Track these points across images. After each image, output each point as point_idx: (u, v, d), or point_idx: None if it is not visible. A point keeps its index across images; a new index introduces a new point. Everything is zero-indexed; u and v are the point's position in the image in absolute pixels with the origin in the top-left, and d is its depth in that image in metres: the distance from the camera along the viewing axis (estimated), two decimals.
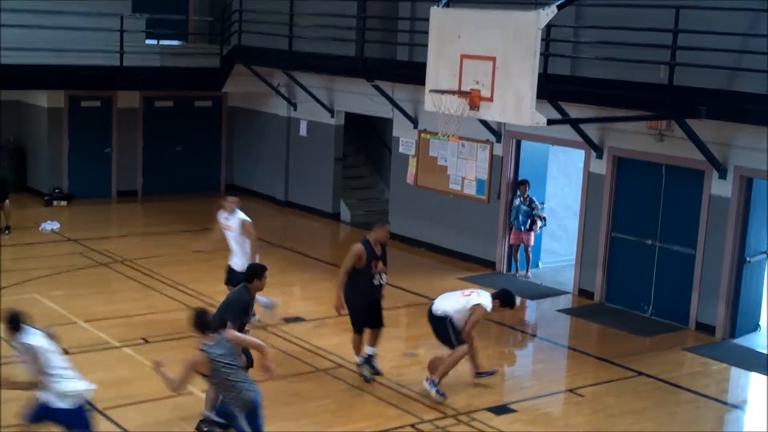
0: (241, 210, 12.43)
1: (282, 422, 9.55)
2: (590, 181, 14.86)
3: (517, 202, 15.72)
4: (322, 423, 9.61)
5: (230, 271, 12.23)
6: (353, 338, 10.80)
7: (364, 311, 10.67)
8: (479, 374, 10.92)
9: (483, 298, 10.54)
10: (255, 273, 9.65)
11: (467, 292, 10.74)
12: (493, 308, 10.56)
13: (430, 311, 10.66)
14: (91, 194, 20.55)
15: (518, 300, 11.29)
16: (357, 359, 10.85)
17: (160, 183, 21.37)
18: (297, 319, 12.85)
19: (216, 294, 13.61)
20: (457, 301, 10.57)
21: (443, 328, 10.49)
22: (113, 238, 17.56)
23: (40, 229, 17.70)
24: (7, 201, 17.44)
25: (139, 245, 16.98)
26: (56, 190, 20.22)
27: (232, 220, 12.26)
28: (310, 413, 9.86)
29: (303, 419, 9.70)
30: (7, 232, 17.25)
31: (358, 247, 10.62)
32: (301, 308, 13.56)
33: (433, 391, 10.28)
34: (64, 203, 20.06)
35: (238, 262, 12.08)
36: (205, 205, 20.93)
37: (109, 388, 10.19)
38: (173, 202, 20.60)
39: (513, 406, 10.34)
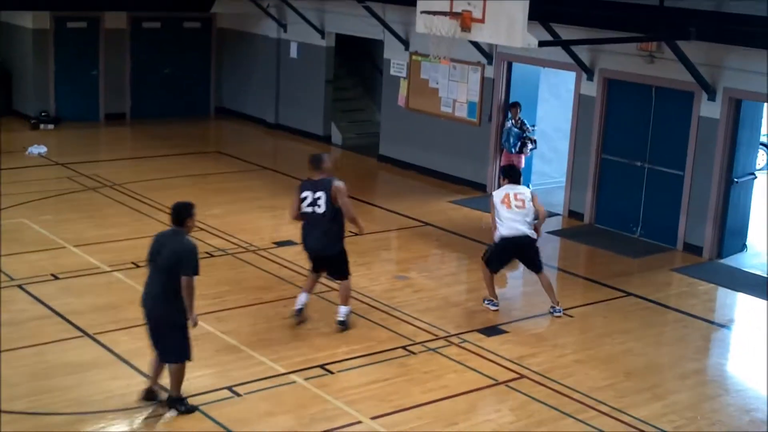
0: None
1: (274, 346, 9.66)
2: (581, 103, 14.79)
3: (508, 124, 15.65)
4: (314, 346, 9.70)
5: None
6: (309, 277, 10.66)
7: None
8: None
9: (521, 193, 10.79)
10: (184, 213, 9.10)
11: (515, 203, 10.76)
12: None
13: (524, 238, 10.72)
14: (78, 117, 20.40)
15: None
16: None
17: (148, 106, 21.21)
18: (288, 243, 12.89)
19: (206, 218, 13.64)
20: (524, 215, 10.69)
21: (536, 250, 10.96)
22: (102, 162, 17.48)
23: (27, 153, 17.60)
24: None
25: (128, 169, 16.92)
26: (43, 114, 20.04)
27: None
28: (302, 337, 9.96)
29: (294, 342, 9.80)
30: None
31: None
32: (292, 232, 13.52)
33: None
34: (51, 127, 19.91)
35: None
36: (193, 128, 20.87)
37: (99, 312, 10.30)
38: (162, 126, 20.48)
39: (503, 327, 10.47)
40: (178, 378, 8.18)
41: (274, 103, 20.88)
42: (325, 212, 9.89)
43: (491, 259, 10.95)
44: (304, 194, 9.97)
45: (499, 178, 16.04)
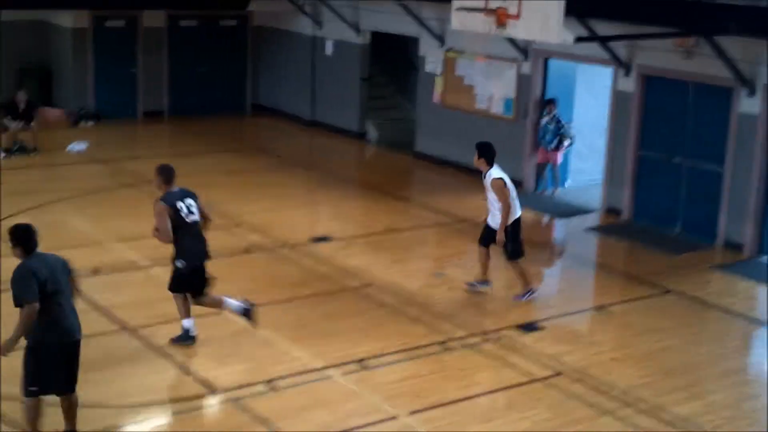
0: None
1: (311, 340, 9.70)
2: (618, 99, 14.68)
3: (544, 121, 15.59)
4: (351, 341, 9.73)
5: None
6: None
7: None
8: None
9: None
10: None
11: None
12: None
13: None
14: (117, 114, 20.59)
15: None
16: None
17: (185, 103, 21.34)
18: (325, 239, 12.93)
19: (244, 214, 13.75)
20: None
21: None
22: (140, 158, 17.62)
23: (67, 149, 17.81)
24: (33, 123, 17.52)
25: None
26: (83, 111, 20.26)
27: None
28: (340, 331, 9.98)
29: (331, 337, 9.82)
30: (33, 153, 17.36)
31: None
32: (329, 228, 13.61)
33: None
34: (91, 124, 20.13)
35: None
36: (230, 125, 20.99)
37: (139, 307, 10.39)
38: (199, 123, 20.61)
39: (540, 324, 10.42)
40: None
41: (309, 100, 20.95)
42: (198, 219, 9.39)
43: (519, 246, 10.94)
44: (178, 206, 9.21)
45: (536, 175, 16.08)
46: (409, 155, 18.45)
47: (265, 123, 21.43)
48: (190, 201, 9.35)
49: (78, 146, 18.00)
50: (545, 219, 14.71)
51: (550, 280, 12.45)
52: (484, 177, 10.80)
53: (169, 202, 9.21)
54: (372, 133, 19.85)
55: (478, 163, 10.90)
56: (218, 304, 9.62)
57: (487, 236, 10.99)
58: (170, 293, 9.52)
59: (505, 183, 10.70)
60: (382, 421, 8.16)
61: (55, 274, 7.20)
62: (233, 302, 9.60)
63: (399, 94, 21.53)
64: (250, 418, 8.09)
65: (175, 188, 9.36)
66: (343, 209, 14.83)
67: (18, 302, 7.04)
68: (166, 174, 9.36)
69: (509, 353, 9.61)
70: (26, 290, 7.01)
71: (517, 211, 10.81)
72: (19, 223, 7.45)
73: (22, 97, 17.59)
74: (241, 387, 8.60)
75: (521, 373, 9.17)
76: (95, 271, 11.35)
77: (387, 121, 20.48)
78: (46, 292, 7.08)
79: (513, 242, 10.87)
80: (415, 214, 14.69)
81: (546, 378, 9.10)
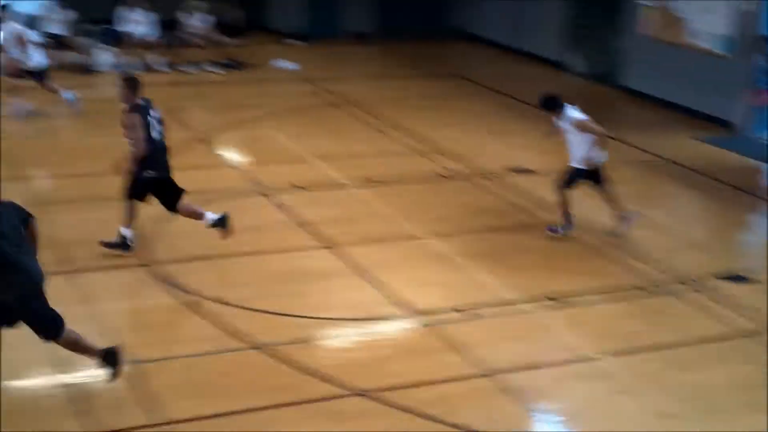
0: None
1: (506, 271, 9.65)
2: None
3: (763, 59, 14.69)
4: (546, 277, 9.57)
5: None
6: None
7: None
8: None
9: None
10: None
11: None
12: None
13: None
14: (327, 35, 20.85)
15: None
16: None
17: (393, 26, 21.35)
18: (524, 171, 12.74)
19: (442, 140, 13.76)
20: None
21: None
22: (346, 78, 17.86)
23: (275, 66, 18.30)
24: (240, 39, 18.03)
25: (371, 88, 17.25)
26: (292, 31, 20.67)
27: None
28: (535, 266, 9.86)
29: (526, 271, 9.72)
30: (239, 68, 17.91)
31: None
32: (527, 158, 13.35)
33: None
34: (299, 43, 20.54)
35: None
36: (437, 50, 20.90)
37: (337, 224, 10.63)
38: (407, 46, 20.62)
39: (747, 275, 9.88)
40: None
41: (510, 25, 20.55)
42: (162, 131, 9.37)
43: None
44: (148, 118, 9.16)
45: (752, 117, 15.17)
46: (611, 88, 17.86)
47: (464, 48, 21.24)
48: (155, 113, 9.32)
49: (286, 64, 18.46)
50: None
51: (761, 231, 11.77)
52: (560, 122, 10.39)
53: (140, 112, 9.17)
54: (573, 62, 19.32)
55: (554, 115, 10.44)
56: (196, 215, 9.61)
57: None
58: (173, 213, 9.64)
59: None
60: (578, 361, 8.05)
61: None
62: (209, 214, 9.59)
63: (606, 24, 20.77)
64: (444, 344, 8.17)
65: (141, 100, 9.28)
66: (541, 141, 14.51)
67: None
68: (133, 85, 9.28)
69: (711, 304, 9.21)
70: None
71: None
72: None
73: (236, 16, 18.20)
74: (436, 312, 8.70)
75: (722, 325, 8.80)
76: (298, 187, 11.69)
77: (591, 50, 19.85)
78: None
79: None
80: (615, 149, 14.18)
81: (749, 334, 8.69)
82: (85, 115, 14.65)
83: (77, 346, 6.89)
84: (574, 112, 10.33)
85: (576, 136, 10.31)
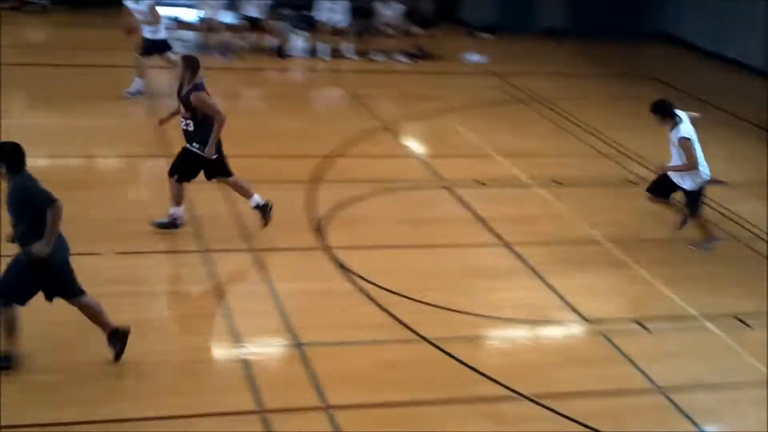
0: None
1: (687, 285, 9.26)
2: None
3: None
4: (726, 294, 9.13)
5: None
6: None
7: None
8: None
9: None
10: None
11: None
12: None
13: None
14: (518, 29, 20.64)
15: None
16: None
17: (587, 23, 20.85)
18: (718, 182, 12.13)
19: (631, 143, 13.35)
20: None
21: None
22: (534, 74, 17.61)
23: (463, 58, 18.28)
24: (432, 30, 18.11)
25: (559, 85, 16.92)
26: (482, 23, 20.57)
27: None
28: (713, 281, 9.45)
29: (704, 285, 9.32)
30: (426, 59, 17.97)
31: None
32: (725, 170, 12.63)
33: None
34: (489, 36, 20.44)
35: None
36: (631, 50, 20.29)
37: (517, 223, 10.51)
38: (600, 44, 20.08)
39: None
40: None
41: (715, 29, 19.68)
42: None
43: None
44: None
45: None
46: None
47: (662, 50, 20.51)
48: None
49: (474, 57, 18.42)
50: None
51: None
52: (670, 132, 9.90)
53: (205, 90, 9.13)
54: None
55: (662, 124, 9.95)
56: (243, 192, 9.59)
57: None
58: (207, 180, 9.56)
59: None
60: (760, 385, 7.64)
61: None
62: (256, 196, 9.57)
63: None
64: (616, 355, 7.93)
65: (202, 79, 9.22)
66: (740, 153, 13.81)
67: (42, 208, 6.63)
68: (194, 64, 9.24)
69: None
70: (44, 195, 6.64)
71: (705, 172, 9.90)
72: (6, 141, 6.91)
73: (427, 6, 18.32)
74: (608, 321, 8.46)
75: None
76: (479, 182, 11.63)
77: None
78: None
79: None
80: None
81: None
82: (271, 97, 15.09)
83: (96, 317, 7.09)
84: (685, 127, 9.82)
85: (677, 152, 9.89)
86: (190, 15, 17.48)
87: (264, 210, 9.61)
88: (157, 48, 13.93)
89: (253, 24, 17.53)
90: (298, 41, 17.98)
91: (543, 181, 11.80)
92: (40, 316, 7.13)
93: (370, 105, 14.68)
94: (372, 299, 8.49)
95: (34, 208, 6.62)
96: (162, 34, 14.00)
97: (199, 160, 9.27)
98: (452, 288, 8.94)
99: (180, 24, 17.21)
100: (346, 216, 10.25)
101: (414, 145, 13.41)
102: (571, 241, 10.13)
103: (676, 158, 9.96)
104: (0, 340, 6.89)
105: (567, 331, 8.42)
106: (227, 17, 17.21)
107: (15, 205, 6.69)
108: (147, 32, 13.87)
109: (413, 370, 7.48)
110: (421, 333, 7.94)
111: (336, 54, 17.68)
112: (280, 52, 17.45)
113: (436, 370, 7.50)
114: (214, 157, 9.21)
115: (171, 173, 9.42)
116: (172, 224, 9.43)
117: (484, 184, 11.60)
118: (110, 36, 15.58)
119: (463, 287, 8.99)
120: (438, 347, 7.74)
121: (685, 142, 9.77)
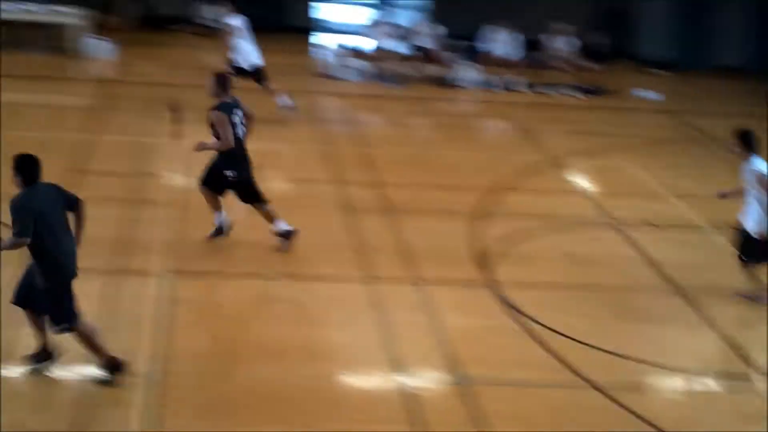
0: None
1: None
2: None
3: None
4: None
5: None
6: None
7: None
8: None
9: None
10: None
11: None
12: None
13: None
14: (695, 65, 19.89)
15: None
16: None
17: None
18: None
19: None
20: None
21: None
22: (712, 113, 16.83)
23: (636, 95, 17.82)
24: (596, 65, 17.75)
25: (738, 125, 16.07)
26: (658, 59, 19.97)
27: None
28: None
29: None
30: (598, 94, 17.59)
31: None
32: None
33: None
34: (663, 72, 19.84)
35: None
36: None
37: (689, 268, 9.96)
38: None
39: None
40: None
41: None
42: (245, 132, 9.30)
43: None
44: (233, 118, 9.10)
45: None
46: None
47: None
48: (239, 112, 9.20)
49: (648, 94, 17.95)
50: None
51: None
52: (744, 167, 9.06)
53: (227, 111, 9.08)
54: None
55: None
56: (269, 218, 9.49)
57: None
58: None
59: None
60: None
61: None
62: (282, 223, 9.49)
63: None
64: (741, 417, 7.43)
65: (229, 98, 9.20)
66: None
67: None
68: (224, 82, 9.23)
69: None
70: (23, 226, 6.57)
71: None
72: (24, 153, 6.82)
73: (602, 41, 18.02)
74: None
75: None
76: (650, 224, 11.20)
77: None
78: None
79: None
80: None
81: None
82: (440, 127, 15.07)
83: (89, 343, 6.93)
84: (761, 164, 8.98)
85: (755, 191, 9.02)
86: (367, 45, 17.80)
87: (287, 236, 9.54)
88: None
89: (426, 54, 17.67)
90: (469, 72, 17.95)
91: (719, 226, 11.21)
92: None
93: (538, 138, 14.47)
94: (535, 338, 8.25)
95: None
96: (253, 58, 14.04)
97: (221, 173, 9.32)
98: (617, 331, 8.62)
99: (356, 53, 17.57)
100: (509, 250, 10.06)
101: (582, 181, 13.09)
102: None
103: (751, 202, 9.17)
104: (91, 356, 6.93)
105: (739, 387, 7.90)
106: (401, 47, 17.42)
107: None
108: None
109: (576, 416, 7.20)
110: (586, 377, 7.64)
111: (506, 86, 17.56)
112: (451, 83, 17.48)
113: (601, 419, 7.19)
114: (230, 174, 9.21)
115: (200, 183, 9.55)
116: (219, 232, 9.54)
117: (655, 225, 11.17)
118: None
119: (629, 331, 8.66)
120: (603, 394, 7.42)
121: (762, 177, 8.93)
